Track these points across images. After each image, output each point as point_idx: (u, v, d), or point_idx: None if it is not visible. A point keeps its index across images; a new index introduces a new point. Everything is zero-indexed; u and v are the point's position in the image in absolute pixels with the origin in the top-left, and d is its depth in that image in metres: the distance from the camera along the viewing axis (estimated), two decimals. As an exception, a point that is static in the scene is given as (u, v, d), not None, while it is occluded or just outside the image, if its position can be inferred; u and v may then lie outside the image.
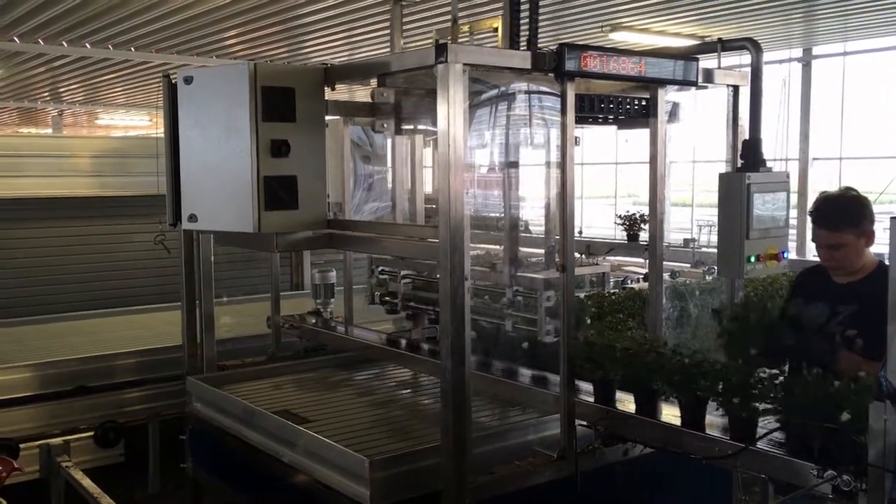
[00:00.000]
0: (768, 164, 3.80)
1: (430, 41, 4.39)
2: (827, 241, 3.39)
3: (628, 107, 3.98)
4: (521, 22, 3.66)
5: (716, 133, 4.24)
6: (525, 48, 3.58)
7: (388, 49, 4.74)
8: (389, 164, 5.22)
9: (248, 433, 4.21)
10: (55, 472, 4.89)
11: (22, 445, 4.91)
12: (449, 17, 4.02)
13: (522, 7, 3.66)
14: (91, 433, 5.17)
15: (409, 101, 4.25)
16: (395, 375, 5.03)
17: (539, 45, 3.60)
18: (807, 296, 3.60)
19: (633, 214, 5.74)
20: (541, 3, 3.51)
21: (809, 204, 3.69)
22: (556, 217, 3.64)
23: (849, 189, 3.52)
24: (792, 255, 3.85)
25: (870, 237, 3.41)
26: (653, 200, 3.96)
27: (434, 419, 3.98)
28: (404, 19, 4.82)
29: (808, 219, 3.50)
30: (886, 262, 3.43)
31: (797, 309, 3.57)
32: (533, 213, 4.52)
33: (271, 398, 4.57)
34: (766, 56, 4.59)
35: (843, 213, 3.38)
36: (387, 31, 9.81)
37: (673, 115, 4.24)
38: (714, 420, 3.30)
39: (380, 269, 5.17)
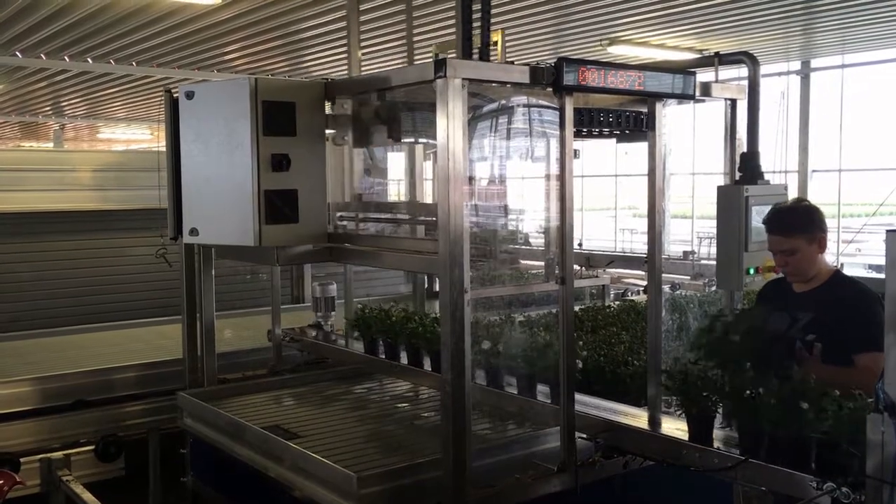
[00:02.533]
0: (768, 176, 3.83)
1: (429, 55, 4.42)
2: (780, 246, 3.50)
3: (627, 120, 4.00)
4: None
5: (715, 145, 4.26)
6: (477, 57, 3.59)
7: (387, 64, 4.77)
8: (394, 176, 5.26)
9: (238, 449, 4.19)
10: (56, 486, 4.88)
11: (23, 459, 4.90)
12: (450, 31, 4.02)
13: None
14: (92, 447, 5.16)
15: (366, 111, 4.21)
16: (394, 389, 5.03)
17: (538, 60, 3.62)
18: (766, 305, 3.71)
19: None
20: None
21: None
22: (555, 229, 3.65)
23: (801, 200, 3.71)
24: (791, 267, 3.88)
25: (821, 243, 3.53)
26: (651, 213, 3.97)
27: (431, 433, 3.98)
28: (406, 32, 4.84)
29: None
30: (842, 271, 3.59)
31: (759, 317, 3.62)
32: (532, 225, 4.54)
33: (266, 412, 4.56)
34: (765, 69, 4.62)
35: (793, 219, 3.52)
36: (386, 46, 9.89)
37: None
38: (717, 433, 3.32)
39: None
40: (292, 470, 3.78)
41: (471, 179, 3.80)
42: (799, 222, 3.51)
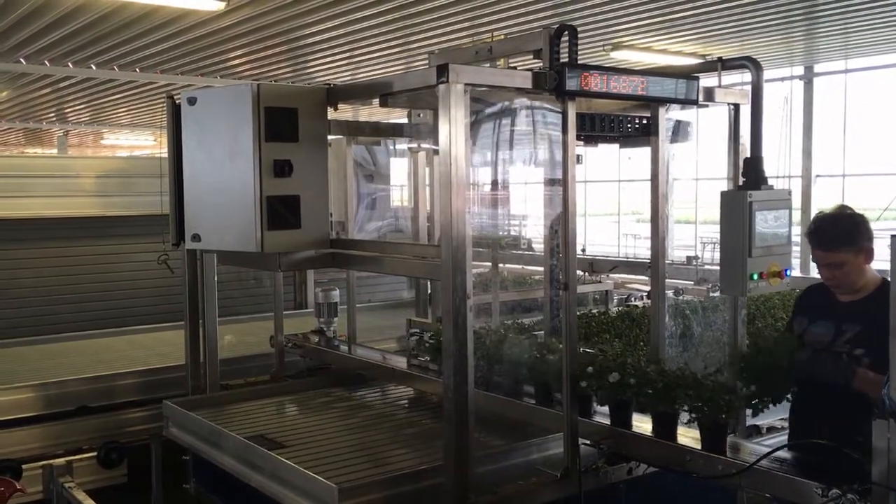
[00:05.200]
0: (771, 181, 3.81)
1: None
2: (825, 260, 3.38)
3: (629, 125, 4.00)
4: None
5: (719, 151, 4.25)
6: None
7: (388, 69, 4.77)
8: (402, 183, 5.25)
9: (220, 458, 4.10)
10: (58, 492, 4.86)
11: (25, 466, 4.88)
12: (450, 36, 4.03)
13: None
14: (94, 454, 5.14)
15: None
16: (397, 395, 5.00)
17: (541, 65, 3.60)
18: (809, 314, 3.60)
19: None
20: (543, 23, 3.54)
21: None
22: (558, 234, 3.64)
23: (844, 208, 3.50)
24: (795, 273, 3.84)
25: (868, 254, 3.39)
26: (654, 218, 3.97)
27: (429, 441, 3.95)
28: (408, 38, 4.84)
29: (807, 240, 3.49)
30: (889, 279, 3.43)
31: (802, 329, 3.56)
32: (535, 231, 4.53)
33: (260, 420, 4.50)
34: (768, 73, 4.61)
35: (838, 232, 3.37)
36: (388, 52, 9.89)
37: (682, 133, 4.23)
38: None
39: None
40: (274, 480, 3.66)
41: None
42: (843, 235, 3.34)
